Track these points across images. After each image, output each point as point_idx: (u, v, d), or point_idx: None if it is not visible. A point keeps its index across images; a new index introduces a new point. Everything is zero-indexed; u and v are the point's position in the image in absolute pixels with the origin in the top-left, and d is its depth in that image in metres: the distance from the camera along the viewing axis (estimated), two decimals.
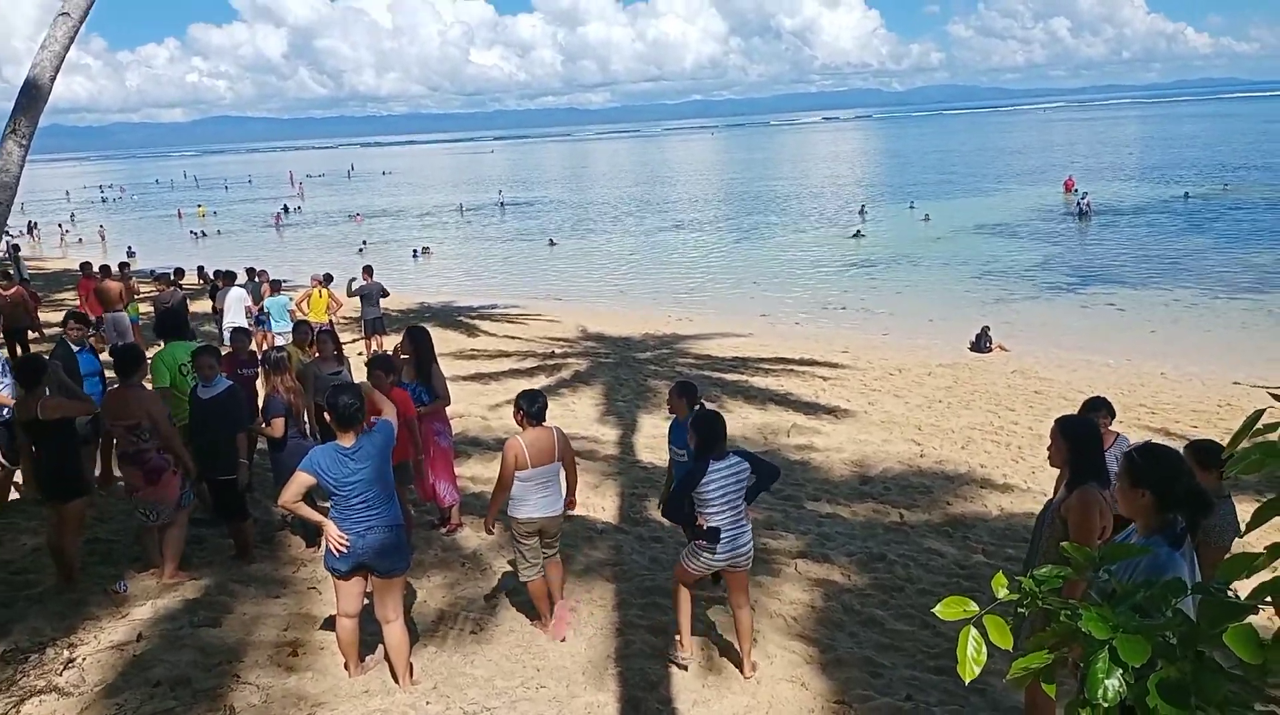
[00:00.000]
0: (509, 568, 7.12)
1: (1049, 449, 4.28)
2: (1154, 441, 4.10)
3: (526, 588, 6.06)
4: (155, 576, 6.56)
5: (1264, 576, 2.10)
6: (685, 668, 5.55)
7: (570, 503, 6.08)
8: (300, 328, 10.38)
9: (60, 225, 55.21)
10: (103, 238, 48.00)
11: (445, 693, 5.28)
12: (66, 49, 8.69)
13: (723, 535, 5.25)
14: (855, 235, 35.17)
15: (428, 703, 5.15)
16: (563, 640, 5.94)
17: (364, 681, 5.36)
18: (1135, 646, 2.13)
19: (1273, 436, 2.23)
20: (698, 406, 6.37)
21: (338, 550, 4.91)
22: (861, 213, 42.14)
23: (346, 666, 5.36)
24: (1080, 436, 4.20)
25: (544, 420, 5.82)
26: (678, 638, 5.68)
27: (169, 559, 6.54)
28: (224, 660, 5.50)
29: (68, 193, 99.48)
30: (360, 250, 36.95)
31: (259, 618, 6.12)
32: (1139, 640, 2.14)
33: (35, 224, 55.67)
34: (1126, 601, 2.34)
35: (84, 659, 5.40)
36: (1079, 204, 36.70)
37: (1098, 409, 5.95)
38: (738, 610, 5.56)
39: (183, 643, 5.69)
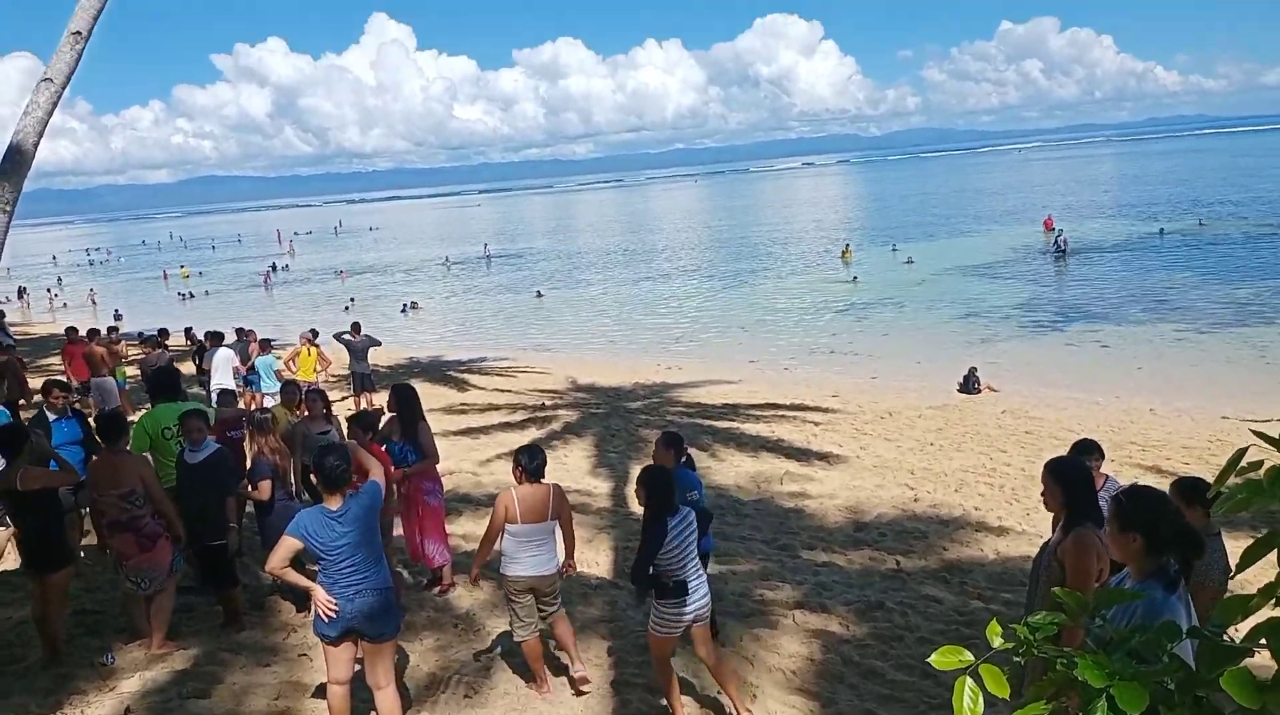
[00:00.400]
0: (502, 628, 7.03)
1: (1043, 494, 4.28)
2: (1139, 483, 4.10)
3: (521, 648, 5.98)
4: (143, 647, 6.46)
5: (1261, 616, 2.11)
6: None
7: (568, 566, 5.95)
8: (288, 388, 10.35)
9: (49, 290, 55.14)
10: (94, 302, 47.77)
11: None
12: (50, 114, 8.76)
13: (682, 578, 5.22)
14: (853, 280, 35.21)
15: None
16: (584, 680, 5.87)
17: None
18: (1133, 694, 2.12)
19: (1258, 474, 2.26)
20: (684, 458, 6.37)
21: (326, 615, 4.85)
22: (845, 253, 42.58)
23: None
24: (1071, 478, 4.20)
25: (542, 477, 5.78)
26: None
27: (157, 628, 6.44)
28: None
29: (54, 257, 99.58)
30: (346, 308, 37.04)
31: (249, 687, 6.02)
32: (1136, 687, 2.13)
33: (25, 289, 55.60)
34: (1121, 648, 2.33)
35: None
36: (1056, 243, 36.91)
37: (1089, 452, 5.90)
38: (710, 660, 5.51)
39: None
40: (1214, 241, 37.54)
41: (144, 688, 5.94)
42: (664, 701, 5.60)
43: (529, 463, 5.71)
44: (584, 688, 5.89)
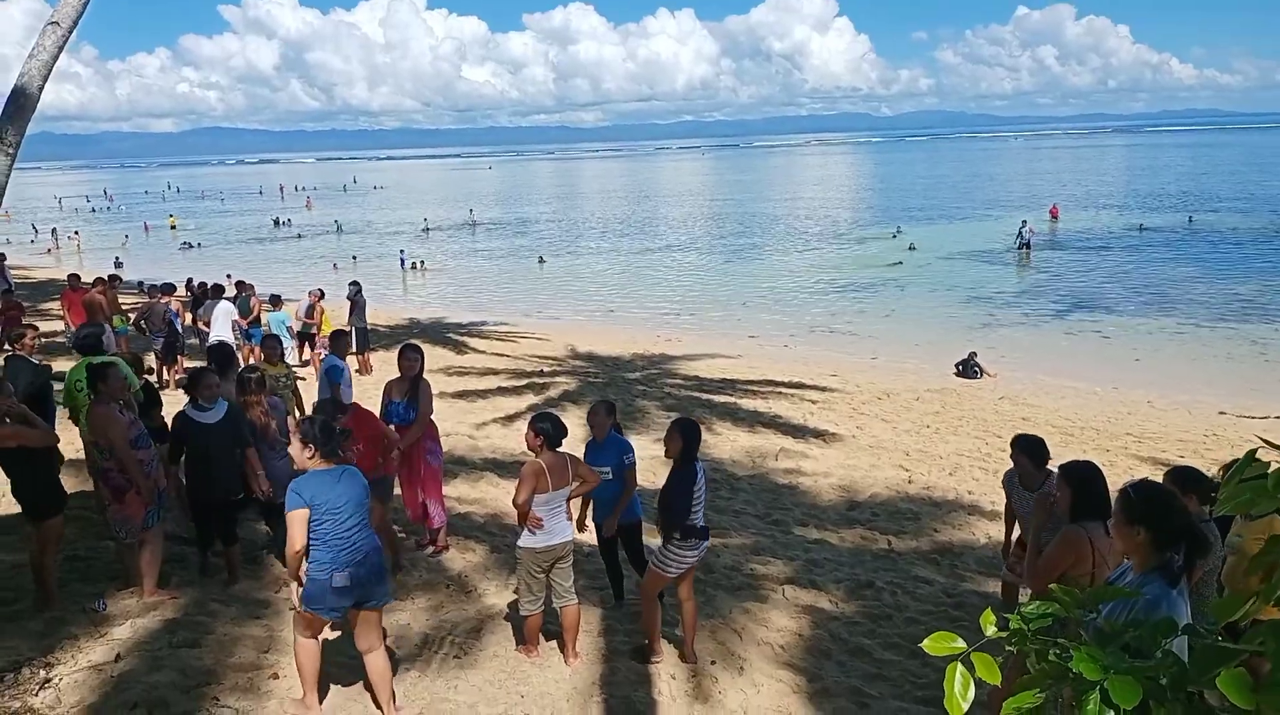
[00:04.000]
0: (494, 591, 7.07)
1: (1053, 496, 4.32)
2: (1147, 478, 4.10)
3: (525, 620, 5.96)
4: (135, 595, 6.47)
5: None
6: (659, 663, 5.81)
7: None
8: (268, 341, 10.41)
9: (54, 232, 54.87)
10: (119, 263, 47.18)
11: None
12: (55, 57, 8.66)
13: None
14: (910, 248, 35.10)
15: None
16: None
17: (345, 707, 5.29)
18: (1127, 688, 2.12)
19: (1265, 472, 2.24)
20: (613, 426, 6.57)
21: (340, 585, 4.75)
22: (897, 233, 41.40)
23: (304, 699, 5.12)
24: (1082, 480, 4.24)
25: (560, 444, 5.81)
26: (648, 643, 5.91)
27: (146, 576, 6.45)
28: (202, 683, 5.42)
29: (60, 200, 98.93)
30: (335, 267, 36.95)
31: (239, 639, 6.04)
32: (1130, 682, 2.13)
33: (56, 229, 55.21)
34: (1117, 641, 2.33)
35: (61, 679, 5.30)
36: (1020, 234, 35.11)
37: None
38: (686, 602, 5.93)
39: (162, 664, 5.60)
40: (1222, 237, 37.41)
41: (135, 635, 5.96)
42: (646, 644, 5.90)
43: (554, 432, 5.73)
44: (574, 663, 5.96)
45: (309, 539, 4.69)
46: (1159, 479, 4.59)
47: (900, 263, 34.05)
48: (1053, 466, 5.84)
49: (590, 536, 8.32)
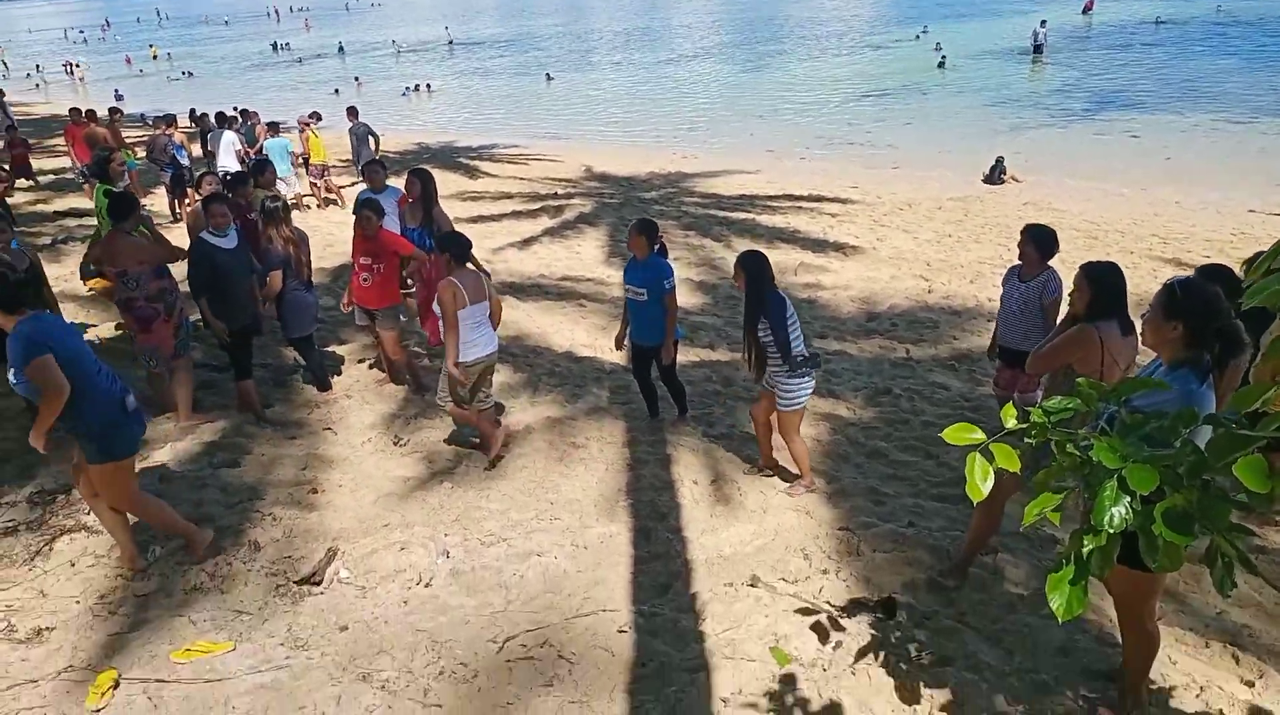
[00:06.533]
0: (520, 407, 7.26)
1: (1072, 295, 4.25)
2: (1192, 276, 4.04)
3: (450, 413, 6.32)
4: (172, 419, 6.68)
5: None
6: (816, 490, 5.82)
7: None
8: (259, 164, 10.20)
9: (67, 65, 53.12)
10: (119, 95, 45.77)
11: (464, 525, 5.46)
12: None
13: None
14: (940, 64, 32.61)
15: (446, 534, 5.34)
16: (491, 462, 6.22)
17: (382, 516, 5.54)
18: (1145, 475, 2.15)
19: None
20: (657, 246, 6.35)
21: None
22: (938, 48, 36.35)
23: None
24: (1102, 280, 4.16)
25: (468, 261, 6.05)
26: (799, 475, 5.86)
27: (182, 402, 6.62)
28: (245, 498, 5.67)
29: (66, 31, 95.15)
30: (336, 91, 35.68)
31: (277, 458, 6.27)
32: (1148, 469, 2.16)
33: (74, 65, 53.14)
34: (1137, 432, 2.35)
35: None
36: (1036, 35, 32.80)
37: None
38: (763, 418, 5.92)
39: (204, 482, 5.85)
40: (1264, 28, 35.33)
41: (175, 457, 6.20)
42: (796, 480, 5.84)
43: (460, 248, 5.95)
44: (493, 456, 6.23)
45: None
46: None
47: (941, 66, 32.29)
48: (1056, 264, 5.77)
49: (610, 356, 8.47)
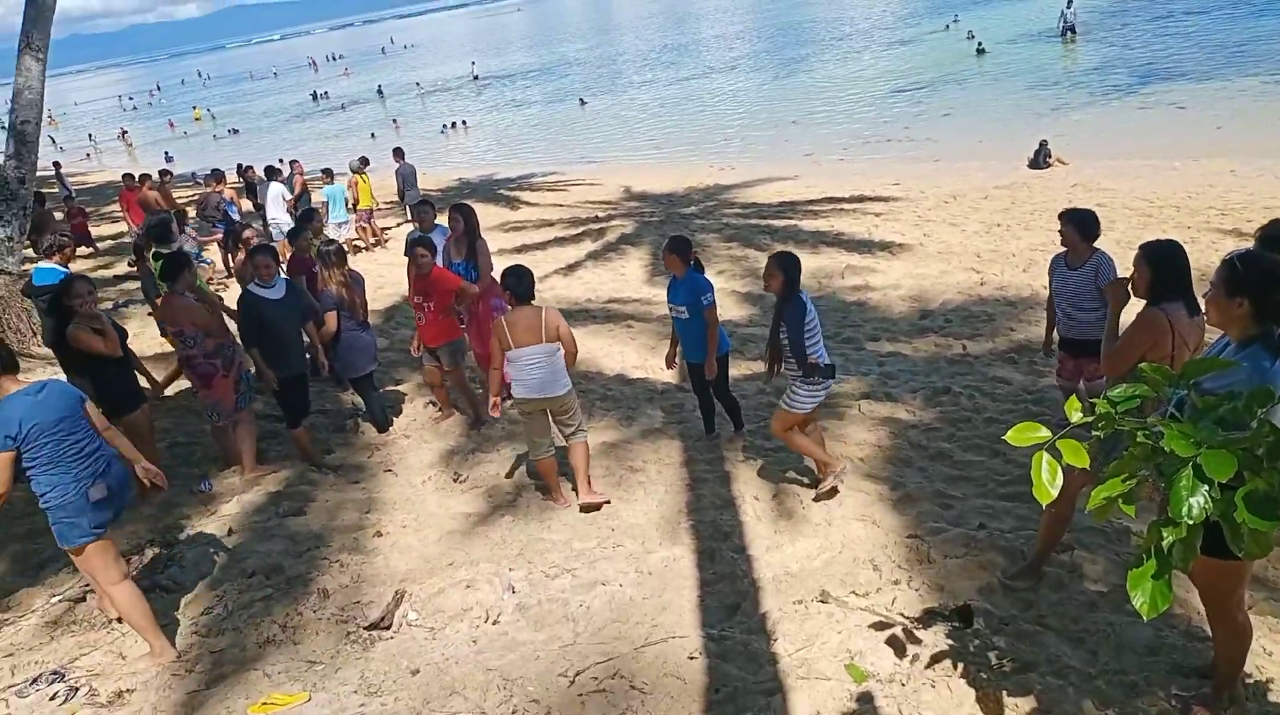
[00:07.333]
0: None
1: (1132, 277, 4.09)
2: (1250, 249, 3.88)
3: (536, 466, 6.18)
4: (237, 473, 6.80)
5: None
6: (843, 480, 5.74)
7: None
8: (308, 214, 10.39)
9: (123, 133, 55.13)
10: (169, 158, 47.33)
11: (528, 558, 5.45)
12: None
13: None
14: (979, 52, 31.88)
15: (511, 569, 5.33)
16: (590, 505, 5.99)
17: (447, 554, 5.56)
18: (1221, 461, 2.04)
19: None
20: (693, 262, 6.38)
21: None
22: (971, 36, 35.44)
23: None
24: (1163, 260, 4.00)
25: (531, 298, 5.78)
26: (816, 466, 5.84)
27: (246, 454, 6.74)
28: (312, 546, 5.74)
29: (120, 98, 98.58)
30: (373, 135, 36.37)
31: (341, 504, 6.35)
32: (1225, 454, 2.05)
33: (125, 132, 55.23)
34: (1209, 416, 2.24)
35: (181, 556, 5.67)
36: (1064, 16, 32.04)
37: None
38: (811, 429, 5.84)
39: (271, 533, 5.94)
40: None
41: (243, 510, 6.30)
42: (817, 471, 5.76)
43: (516, 285, 5.71)
44: (590, 501, 5.96)
45: (38, 467, 4.30)
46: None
47: (980, 53, 31.59)
48: (1102, 245, 5.58)
49: (662, 375, 8.43)
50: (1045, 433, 2.24)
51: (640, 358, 9.20)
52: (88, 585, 5.23)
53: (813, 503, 5.72)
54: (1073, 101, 22.53)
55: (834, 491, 5.72)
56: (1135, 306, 4.15)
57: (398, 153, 17.15)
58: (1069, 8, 32.35)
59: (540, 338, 5.65)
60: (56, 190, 24.18)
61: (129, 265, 13.11)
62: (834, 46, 42.81)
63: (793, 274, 5.42)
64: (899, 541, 5.16)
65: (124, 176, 17.81)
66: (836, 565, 5.02)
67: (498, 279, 7.96)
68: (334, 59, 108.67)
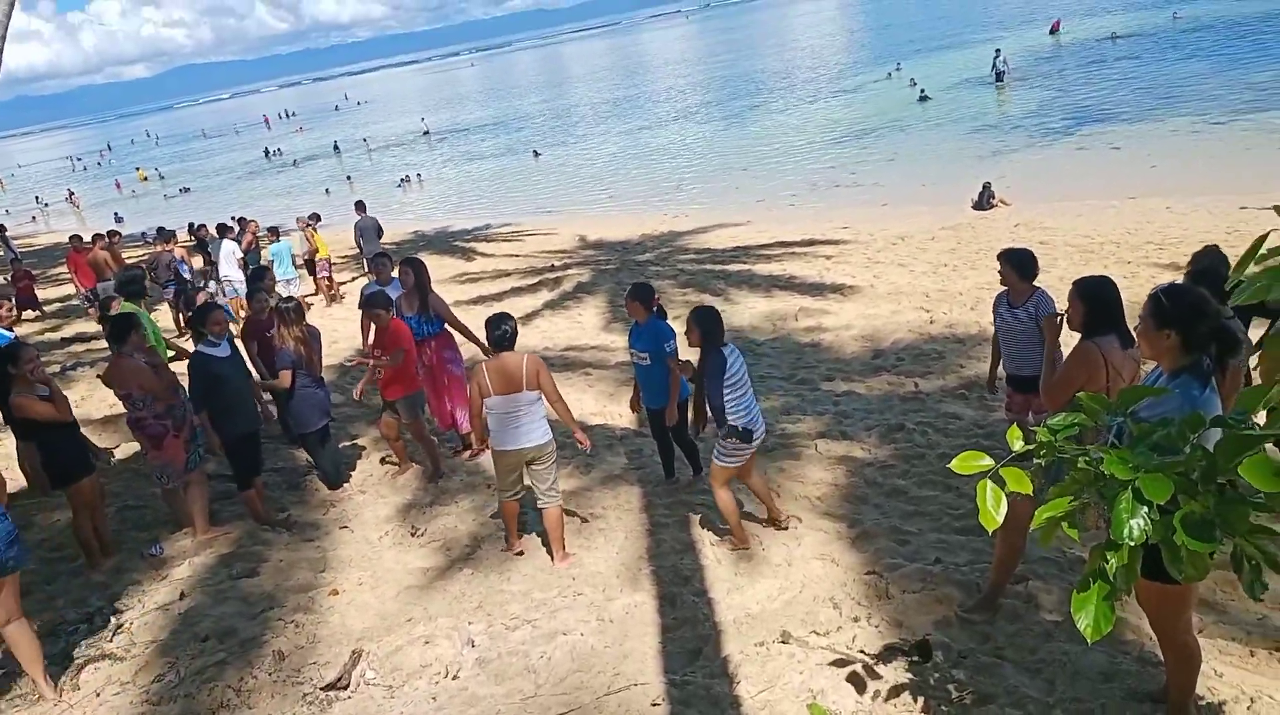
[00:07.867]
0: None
1: (1067, 312, 4.24)
2: (1178, 282, 4.03)
3: (500, 507, 6.09)
4: (189, 535, 6.65)
5: None
6: (748, 549, 5.69)
7: (580, 440, 5.87)
8: (260, 273, 10.35)
9: (70, 195, 54.24)
10: (118, 218, 46.31)
11: (487, 611, 5.39)
12: (8, 15, 8.42)
13: (748, 422, 5.39)
14: (921, 99, 32.68)
15: (470, 622, 5.26)
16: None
17: (404, 611, 5.47)
18: (1158, 484, 2.11)
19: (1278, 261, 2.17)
20: (655, 309, 6.42)
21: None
22: (913, 83, 36.78)
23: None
24: (1095, 295, 4.15)
25: (511, 347, 5.65)
26: (728, 536, 5.82)
27: (198, 516, 6.61)
28: (266, 607, 5.62)
29: (70, 159, 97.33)
30: (327, 191, 36.33)
31: (295, 563, 6.23)
32: (1161, 477, 2.12)
33: (72, 193, 54.06)
34: (1145, 442, 2.31)
35: (131, 623, 5.52)
36: (995, 65, 33.39)
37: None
38: (752, 481, 5.83)
39: (224, 595, 5.80)
40: (1230, 25, 35.82)
41: (195, 573, 6.16)
42: (728, 539, 5.82)
43: (494, 333, 5.61)
44: (564, 567, 5.86)
45: None
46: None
47: (924, 99, 32.50)
48: (1041, 284, 5.76)
49: (620, 421, 8.45)
50: (989, 461, 2.29)
51: (599, 404, 9.21)
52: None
53: (772, 544, 5.74)
54: (1013, 144, 23.24)
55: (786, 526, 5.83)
56: (1073, 340, 4.27)
57: (359, 205, 17.13)
58: (998, 57, 33.56)
59: (521, 386, 5.55)
60: (2, 253, 23.76)
61: (98, 322, 12.86)
62: (780, 96, 43.76)
63: (707, 327, 5.36)
64: (858, 578, 5.19)
65: (71, 238, 17.55)
66: (797, 605, 5.03)
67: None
68: (287, 116, 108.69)
